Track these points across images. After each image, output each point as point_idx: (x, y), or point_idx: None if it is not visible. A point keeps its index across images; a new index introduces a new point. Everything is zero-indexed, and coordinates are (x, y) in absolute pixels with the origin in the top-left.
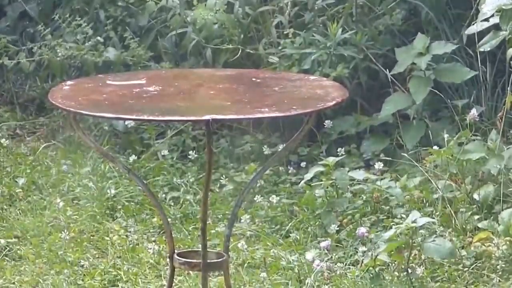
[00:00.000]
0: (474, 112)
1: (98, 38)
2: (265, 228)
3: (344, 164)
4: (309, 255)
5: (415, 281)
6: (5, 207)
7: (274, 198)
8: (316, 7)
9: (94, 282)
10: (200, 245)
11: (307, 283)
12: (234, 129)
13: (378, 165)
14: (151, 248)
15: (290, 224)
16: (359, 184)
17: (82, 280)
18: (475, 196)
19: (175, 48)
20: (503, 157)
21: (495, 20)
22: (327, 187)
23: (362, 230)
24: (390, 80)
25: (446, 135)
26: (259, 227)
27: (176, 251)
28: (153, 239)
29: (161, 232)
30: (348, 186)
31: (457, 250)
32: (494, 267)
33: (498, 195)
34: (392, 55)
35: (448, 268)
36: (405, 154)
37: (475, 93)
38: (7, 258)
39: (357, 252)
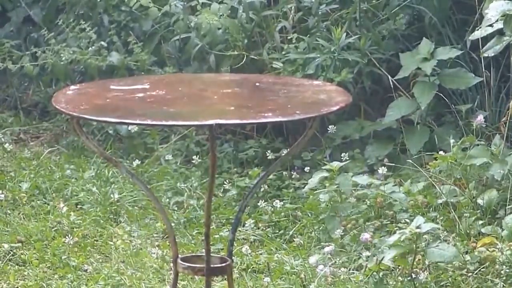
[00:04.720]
0: (481, 118)
1: (102, 43)
2: (269, 233)
3: (348, 169)
4: (313, 260)
5: (419, 286)
6: (8, 211)
7: (277, 203)
8: (319, 12)
9: (98, 286)
10: (203, 250)
11: None
12: (238, 133)
13: (382, 170)
14: (154, 253)
15: (293, 229)
16: (363, 189)
17: (86, 284)
18: (479, 201)
19: (179, 53)
20: (507, 162)
21: (499, 25)
22: (331, 192)
23: (365, 235)
24: (394, 85)
25: (451, 141)
26: (262, 232)
27: (179, 255)
28: (156, 243)
29: (165, 237)
30: (352, 191)
31: (461, 255)
32: (498, 272)
33: (502, 200)
34: (395, 60)
35: (452, 273)
36: (409, 160)
37: (479, 98)
38: (10, 263)
39: (360, 257)
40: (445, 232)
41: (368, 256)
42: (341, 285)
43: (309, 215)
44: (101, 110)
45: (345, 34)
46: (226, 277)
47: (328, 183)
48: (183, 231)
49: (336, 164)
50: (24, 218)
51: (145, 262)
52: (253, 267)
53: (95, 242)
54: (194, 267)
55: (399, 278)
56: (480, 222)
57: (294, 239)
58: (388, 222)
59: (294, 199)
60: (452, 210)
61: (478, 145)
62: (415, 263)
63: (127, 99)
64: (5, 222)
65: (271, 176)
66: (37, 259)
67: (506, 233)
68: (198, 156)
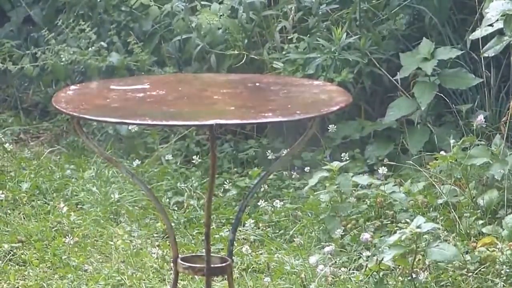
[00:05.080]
0: (481, 118)
1: (102, 43)
2: (269, 233)
3: (348, 169)
4: (313, 260)
5: (419, 286)
6: (9, 211)
7: (278, 203)
8: (320, 12)
9: (98, 286)
10: (203, 250)
11: None
12: (238, 133)
13: (382, 170)
14: (154, 253)
15: (294, 228)
16: (363, 189)
17: (86, 284)
18: (479, 201)
19: (179, 53)
20: (507, 162)
21: (499, 25)
22: (331, 192)
23: (366, 235)
24: (395, 84)
25: (452, 140)
26: (263, 231)
27: (180, 255)
28: (157, 243)
29: (165, 237)
30: (352, 191)
31: (461, 255)
32: (498, 272)
33: (502, 200)
34: (395, 60)
35: (452, 273)
36: (409, 160)
37: (479, 98)
38: (11, 263)
39: (361, 257)
40: (445, 232)
41: (368, 256)
42: (341, 285)
43: (309, 215)
44: (101, 110)
45: (345, 34)
46: (226, 277)
47: (328, 183)
48: (183, 231)
49: (336, 164)
50: (24, 218)
51: (145, 262)
52: (253, 267)
53: (95, 242)
54: (194, 267)
55: (399, 278)
56: (480, 222)
57: (294, 239)
58: (388, 222)
59: (294, 199)
60: (452, 210)
61: (478, 145)
62: (415, 263)
63: (127, 99)
64: (5, 222)
65: (271, 176)
66: (37, 259)
67: (506, 233)
68: (198, 156)
